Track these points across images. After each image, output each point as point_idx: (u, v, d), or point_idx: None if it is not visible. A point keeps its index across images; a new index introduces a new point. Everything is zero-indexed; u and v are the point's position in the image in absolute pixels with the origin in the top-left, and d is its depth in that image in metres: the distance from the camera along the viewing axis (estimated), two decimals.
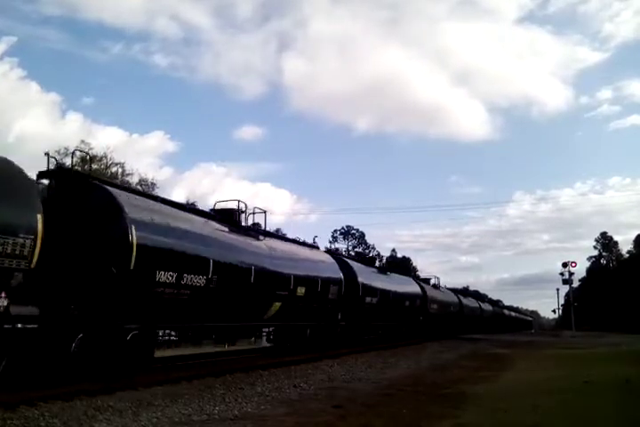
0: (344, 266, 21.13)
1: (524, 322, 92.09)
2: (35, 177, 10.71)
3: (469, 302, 46.40)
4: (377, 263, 30.14)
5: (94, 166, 40.64)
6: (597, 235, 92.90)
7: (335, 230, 77.88)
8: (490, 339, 36.39)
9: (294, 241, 21.51)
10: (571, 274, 48.03)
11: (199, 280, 11.93)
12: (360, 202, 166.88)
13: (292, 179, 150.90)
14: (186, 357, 15.59)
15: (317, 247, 22.04)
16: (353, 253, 65.70)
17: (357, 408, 8.23)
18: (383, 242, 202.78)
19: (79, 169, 14.97)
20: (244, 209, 15.90)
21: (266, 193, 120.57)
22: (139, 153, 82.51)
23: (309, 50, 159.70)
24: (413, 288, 30.67)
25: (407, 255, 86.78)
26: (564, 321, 78.86)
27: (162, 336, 13.87)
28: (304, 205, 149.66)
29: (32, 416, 7.03)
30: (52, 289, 9.79)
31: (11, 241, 8.50)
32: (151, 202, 12.23)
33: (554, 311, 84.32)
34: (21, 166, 9.55)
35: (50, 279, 9.68)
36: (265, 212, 17.12)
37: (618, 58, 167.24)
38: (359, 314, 22.08)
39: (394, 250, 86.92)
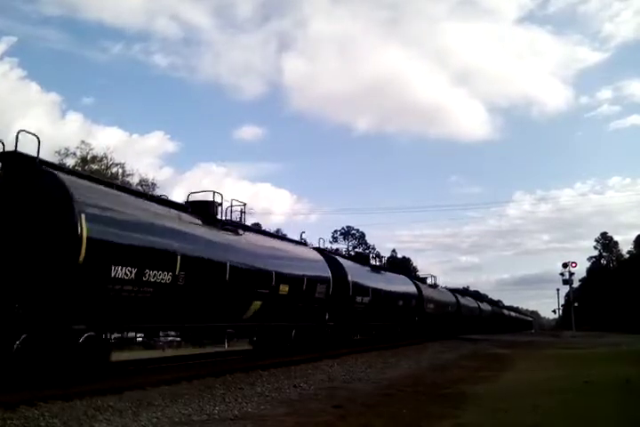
0: (333, 264, 20.24)
1: (525, 322, 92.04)
2: None
3: (468, 301, 45.70)
4: (376, 262, 29.66)
5: (94, 167, 41.05)
6: (597, 235, 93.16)
7: (335, 231, 77.99)
8: (490, 339, 36.34)
9: (279, 237, 20.63)
10: (571, 274, 48.10)
11: (164, 277, 10.90)
12: (360, 202, 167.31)
13: (291, 179, 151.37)
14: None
15: (305, 244, 21.34)
16: (353, 254, 65.64)
17: (357, 408, 8.22)
18: (383, 242, 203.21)
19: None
20: (220, 201, 14.54)
21: (266, 193, 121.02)
22: (139, 153, 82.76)
23: (309, 50, 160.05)
24: (408, 287, 29.84)
25: (407, 255, 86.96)
26: (564, 321, 78.87)
27: (121, 338, 12.41)
28: (304, 205, 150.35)
29: (32, 416, 7.02)
30: None
31: None
32: (110, 190, 11.24)
33: (554, 311, 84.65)
34: None
35: None
36: (244, 204, 15.88)
37: (618, 58, 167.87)
38: (349, 314, 21.26)
39: (394, 250, 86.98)
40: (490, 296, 70.78)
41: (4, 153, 9.99)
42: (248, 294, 14.24)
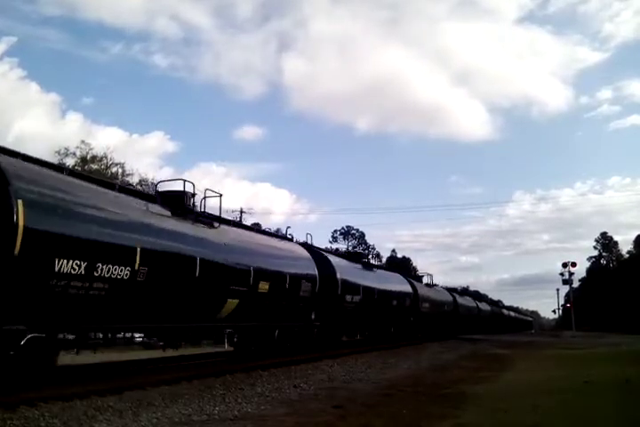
0: (321, 260, 19.25)
1: (524, 322, 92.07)
2: None
3: (465, 300, 44.93)
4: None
5: (94, 167, 41.10)
6: (597, 235, 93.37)
7: (335, 230, 78.27)
8: (490, 339, 36.34)
9: (262, 231, 19.48)
10: (571, 274, 47.98)
11: (121, 272, 9.87)
12: (360, 202, 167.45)
13: (291, 179, 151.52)
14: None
15: (290, 239, 20.45)
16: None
17: (357, 408, 8.22)
18: (383, 242, 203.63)
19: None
20: (194, 192, 13.34)
21: (266, 193, 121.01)
22: (139, 153, 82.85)
23: (309, 50, 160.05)
24: (403, 286, 28.91)
25: (407, 255, 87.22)
26: (564, 321, 78.88)
27: (63, 339, 10.72)
28: (304, 205, 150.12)
29: (32, 416, 7.02)
30: None
31: None
32: (61, 176, 10.20)
33: (554, 312, 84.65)
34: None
35: None
36: (221, 195, 14.52)
37: (618, 58, 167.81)
38: (339, 314, 20.35)
39: (394, 250, 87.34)
40: (490, 296, 71.22)
41: None
42: (222, 291, 13.17)
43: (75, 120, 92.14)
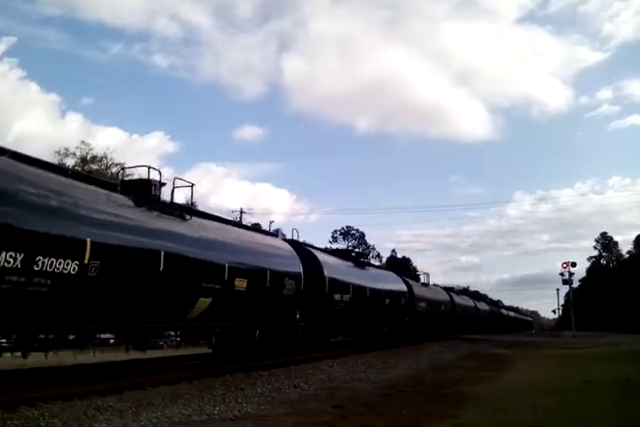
0: (307, 257, 18.20)
1: (524, 322, 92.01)
2: None
3: (463, 300, 44.20)
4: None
5: (94, 167, 41.11)
6: (597, 235, 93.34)
7: (335, 231, 78.18)
8: (489, 339, 36.35)
9: (241, 225, 18.46)
10: (571, 274, 47.97)
11: (67, 266, 8.84)
12: (360, 202, 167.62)
13: (291, 179, 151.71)
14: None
15: (275, 234, 19.57)
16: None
17: (357, 408, 8.23)
18: (383, 242, 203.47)
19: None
20: (162, 180, 12.36)
21: (266, 193, 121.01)
22: (139, 153, 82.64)
23: (309, 50, 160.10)
24: (397, 285, 27.88)
25: (407, 256, 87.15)
26: (564, 321, 78.88)
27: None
28: (304, 205, 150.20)
29: (32, 416, 7.03)
30: None
31: None
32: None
33: (554, 312, 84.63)
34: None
35: None
36: (192, 185, 13.52)
37: (618, 58, 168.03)
38: (327, 313, 19.33)
39: (394, 250, 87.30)
40: (490, 296, 70.96)
41: None
42: (192, 289, 12.09)
43: (75, 120, 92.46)
